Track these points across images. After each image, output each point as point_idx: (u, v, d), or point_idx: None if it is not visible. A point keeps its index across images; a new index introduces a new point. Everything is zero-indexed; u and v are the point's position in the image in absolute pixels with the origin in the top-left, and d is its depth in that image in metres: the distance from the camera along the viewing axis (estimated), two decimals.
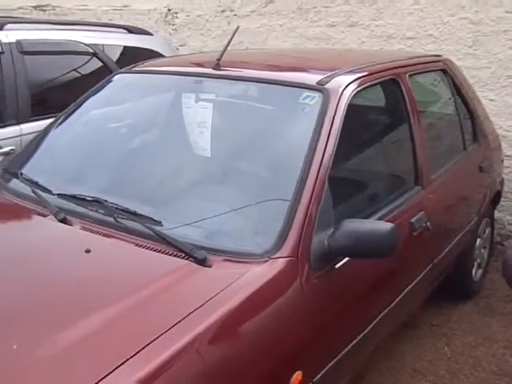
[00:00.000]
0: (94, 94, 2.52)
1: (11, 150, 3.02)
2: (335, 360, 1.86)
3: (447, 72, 3.04)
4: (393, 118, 2.70)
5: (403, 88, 2.48)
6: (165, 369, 1.36)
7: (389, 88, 2.55)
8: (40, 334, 1.41)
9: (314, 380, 1.75)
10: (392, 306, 2.20)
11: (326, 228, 1.80)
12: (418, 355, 2.78)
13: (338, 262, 1.84)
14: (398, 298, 2.24)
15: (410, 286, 2.33)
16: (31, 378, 1.30)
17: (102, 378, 1.28)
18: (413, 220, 2.27)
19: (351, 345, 1.94)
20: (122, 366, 1.31)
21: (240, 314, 1.56)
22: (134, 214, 1.83)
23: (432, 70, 2.98)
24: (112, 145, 2.33)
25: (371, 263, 1.94)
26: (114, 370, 1.30)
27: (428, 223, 2.36)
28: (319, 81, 2.12)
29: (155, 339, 1.39)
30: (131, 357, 1.34)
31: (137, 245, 1.74)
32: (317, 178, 1.84)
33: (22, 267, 1.68)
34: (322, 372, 1.79)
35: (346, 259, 1.86)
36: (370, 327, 2.05)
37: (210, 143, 2.13)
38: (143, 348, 1.37)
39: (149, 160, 2.22)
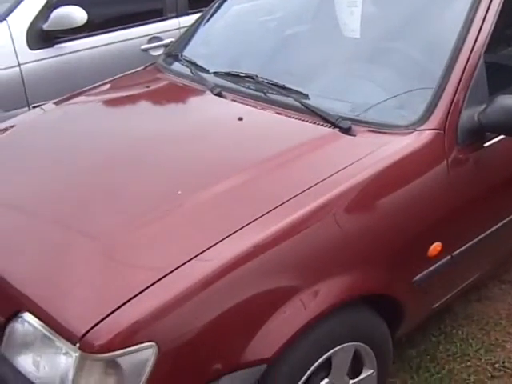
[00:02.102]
0: None
1: (171, 42, 3.23)
2: (476, 240, 1.85)
3: None
4: None
5: None
6: (303, 226, 1.47)
7: None
8: (198, 185, 1.60)
9: (454, 254, 1.77)
10: None
11: (478, 104, 1.74)
12: None
13: (488, 141, 1.78)
14: None
15: None
16: (190, 215, 1.50)
17: (249, 223, 1.43)
18: None
19: (494, 229, 1.91)
20: (262, 218, 1.45)
21: (381, 181, 1.61)
22: (283, 87, 1.91)
23: None
24: (264, 27, 2.42)
25: None
26: (255, 219, 1.45)
27: None
28: None
29: (297, 195, 1.51)
30: (273, 209, 1.47)
31: (285, 115, 1.84)
32: (471, 52, 1.75)
33: (186, 134, 1.88)
34: (462, 248, 1.80)
35: (497, 139, 1.79)
36: None
37: (360, 23, 2.11)
38: (284, 202, 1.48)
39: (298, 41, 2.27)
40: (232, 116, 1.87)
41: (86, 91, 2.42)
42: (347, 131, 1.71)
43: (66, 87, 2.65)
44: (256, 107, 1.91)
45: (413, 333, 2.06)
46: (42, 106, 2.44)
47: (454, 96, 1.70)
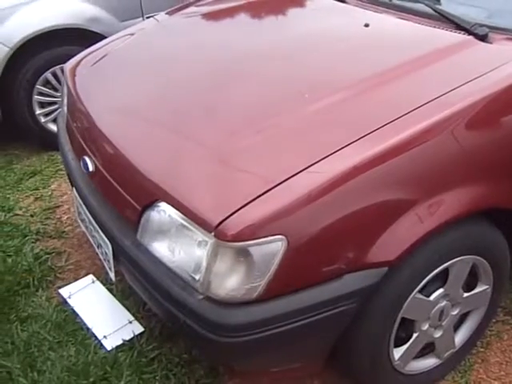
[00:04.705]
0: None
1: None
2: None
3: None
4: None
5: None
6: (422, 139, 1.40)
7: None
8: (318, 95, 1.56)
9: None
10: None
11: None
12: None
13: None
14: None
15: None
16: (308, 124, 1.49)
17: (366, 135, 1.39)
18: None
19: None
20: (379, 130, 1.40)
21: None
22: None
23: None
24: None
25: None
26: (373, 131, 1.40)
27: None
28: None
29: (422, 105, 1.44)
30: (392, 121, 1.41)
31: (415, 22, 1.76)
32: None
33: (311, 41, 1.85)
34: None
35: None
36: None
37: None
38: (406, 114, 1.43)
39: None
40: (357, 22, 1.81)
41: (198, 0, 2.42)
42: (483, 38, 1.62)
43: None
44: (382, 13, 1.84)
45: None
46: (156, 17, 2.48)
47: None
